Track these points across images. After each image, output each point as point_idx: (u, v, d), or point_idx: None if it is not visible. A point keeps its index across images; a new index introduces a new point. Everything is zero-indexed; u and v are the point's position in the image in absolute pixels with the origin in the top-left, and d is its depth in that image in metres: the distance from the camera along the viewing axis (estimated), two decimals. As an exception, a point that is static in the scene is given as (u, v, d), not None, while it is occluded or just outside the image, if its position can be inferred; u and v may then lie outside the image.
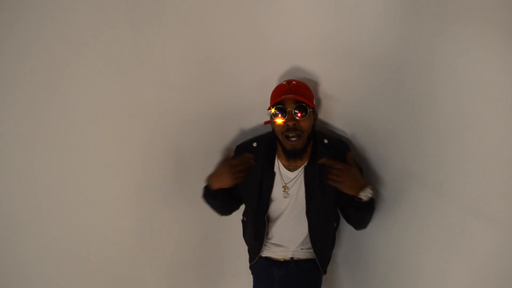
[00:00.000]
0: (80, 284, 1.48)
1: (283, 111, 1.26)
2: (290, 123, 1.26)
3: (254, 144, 1.42)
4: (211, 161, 1.54)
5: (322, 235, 1.47)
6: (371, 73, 1.30)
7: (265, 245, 1.51)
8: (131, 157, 1.45)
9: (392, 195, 1.35)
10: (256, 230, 1.48)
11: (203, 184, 1.41)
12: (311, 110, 1.29)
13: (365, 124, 1.42)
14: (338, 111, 1.50)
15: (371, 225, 1.39)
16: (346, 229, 1.66)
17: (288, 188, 1.40)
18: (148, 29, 1.28)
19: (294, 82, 1.32)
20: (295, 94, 1.26)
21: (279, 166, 1.41)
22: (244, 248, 1.63)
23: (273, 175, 1.40)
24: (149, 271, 1.65)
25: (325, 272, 1.53)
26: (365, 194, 1.24)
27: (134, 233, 1.56)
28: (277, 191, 1.42)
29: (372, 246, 1.52)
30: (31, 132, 1.26)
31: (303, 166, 1.38)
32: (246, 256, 1.62)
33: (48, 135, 1.28)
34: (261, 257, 1.52)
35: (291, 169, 1.40)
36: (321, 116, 1.54)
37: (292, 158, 1.35)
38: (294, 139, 1.27)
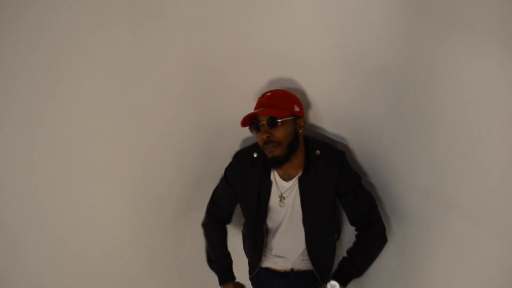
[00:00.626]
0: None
1: (257, 125, 1.27)
2: (264, 136, 1.26)
3: (255, 155, 1.41)
4: (212, 168, 1.54)
5: (319, 245, 1.45)
6: (374, 82, 1.30)
7: (265, 256, 1.49)
8: (131, 164, 1.45)
9: (396, 205, 1.34)
10: (255, 242, 1.47)
11: (204, 192, 1.40)
12: (287, 118, 1.28)
13: (368, 133, 1.41)
14: (340, 120, 1.49)
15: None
16: (347, 240, 1.64)
17: (284, 198, 1.40)
18: (148, 36, 1.29)
19: (268, 94, 1.32)
20: (266, 107, 1.26)
21: (274, 175, 1.40)
22: (244, 258, 1.62)
23: (269, 183, 1.39)
24: (147, 279, 1.64)
25: (325, 284, 1.50)
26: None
27: (132, 241, 1.55)
28: (274, 201, 1.41)
29: (374, 257, 1.49)
30: (30, 139, 1.26)
31: (297, 176, 1.37)
32: (245, 266, 1.60)
33: (47, 143, 1.28)
34: (261, 268, 1.51)
35: (285, 178, 1.39)
36: (323, 125, 1.53)
37: (274, 167, 1.36)
38: (271, 146, 1.27)
